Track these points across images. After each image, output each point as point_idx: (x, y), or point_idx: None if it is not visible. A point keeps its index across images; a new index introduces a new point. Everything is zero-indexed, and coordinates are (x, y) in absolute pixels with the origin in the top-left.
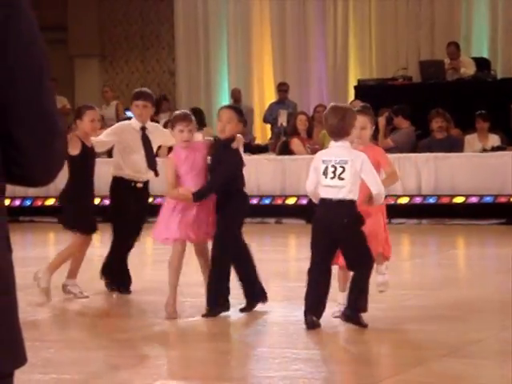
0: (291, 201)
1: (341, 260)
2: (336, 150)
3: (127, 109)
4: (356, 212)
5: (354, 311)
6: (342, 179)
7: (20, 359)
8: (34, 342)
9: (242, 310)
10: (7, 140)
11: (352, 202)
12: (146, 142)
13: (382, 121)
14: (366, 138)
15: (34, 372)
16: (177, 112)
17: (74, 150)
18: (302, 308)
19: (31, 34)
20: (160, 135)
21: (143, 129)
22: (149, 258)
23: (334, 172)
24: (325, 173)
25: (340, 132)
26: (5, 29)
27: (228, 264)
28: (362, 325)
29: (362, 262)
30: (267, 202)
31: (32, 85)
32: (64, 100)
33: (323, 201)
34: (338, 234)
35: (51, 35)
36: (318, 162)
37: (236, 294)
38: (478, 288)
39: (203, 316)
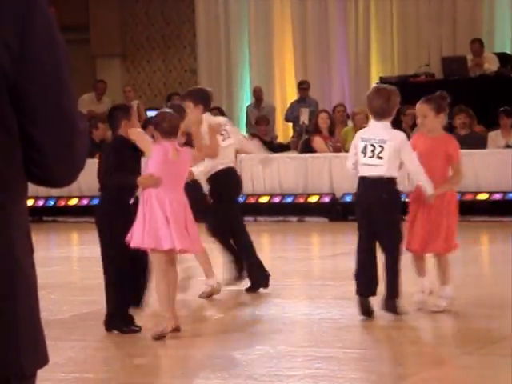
0: (314, 199)
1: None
2: (376, 130)
3: (149, 108)
4: (396, 188)
5: (392, 300)
6: (381, 158)
7: (42, 360)
8: (56, 342)
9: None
10: (27, 140)
11: (391, 179)
12: None
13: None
14: (430, 126)
15: (57, 371)
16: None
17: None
18: (326, 305)
19: (48, 31)
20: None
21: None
22: None
23: (372, 151)
24: (364, 151)
25: (384, 113)
26: (21, 27)
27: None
28: (401, 313)
29: (394, 244)
30: (289, 200)
31: (50, 83)
32: (108, 101)
33: (362, 179)
34: (377, 210)
35: (73, 35)
36: (358, 140)
37: (259, 291)
38: (502, 285)
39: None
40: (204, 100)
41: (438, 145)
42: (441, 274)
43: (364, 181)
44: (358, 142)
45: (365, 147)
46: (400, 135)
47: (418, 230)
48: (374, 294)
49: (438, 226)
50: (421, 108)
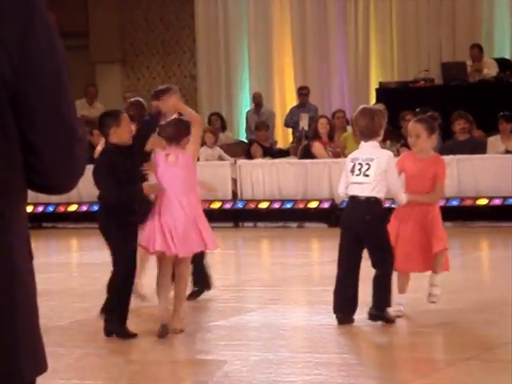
0: (313, 204)
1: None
2: (364, 149)
3: (148, 115)
4: (380, 209)
5: (380, 309)
6: (367, 176)
7: (41, 366)
8: (56, 348)
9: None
10: (27, 147)
11: (376, 200)
12: None
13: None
14: (421, 146)
15: (56, 378)
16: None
17: None
18: (325, 311)
19: (48, 38)
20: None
21: None
22: None
23: (360, 169)
24: (352, 170)
25: (369, 133)
26: (21, 33)
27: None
28: (389, 320)
29: (383, 260)
30: (289, 206)
31: (49, 89)
32: (100, 106)
33: (350, 198)
34: (360, 230)
35: (73, 41)
36: (348, 160)
37: (257, 297)
38: (502, 291)
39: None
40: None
41: (428, 166)
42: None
43: (351, 200)
44: (347, 163)
45: (353, 166)
46: (387, 154)
47: (404, 248)
48: (348, 314)
49: (419, 244)
50: (414, 127)
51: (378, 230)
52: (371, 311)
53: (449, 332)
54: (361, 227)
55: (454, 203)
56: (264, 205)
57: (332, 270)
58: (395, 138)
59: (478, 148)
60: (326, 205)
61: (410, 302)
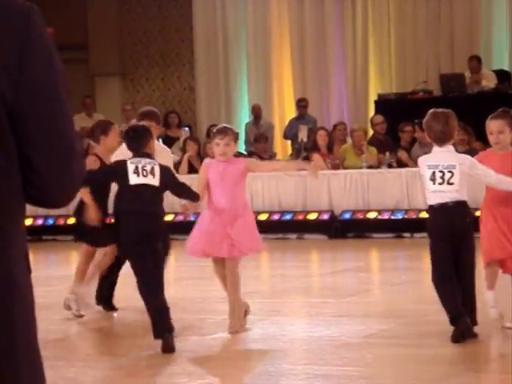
0: (313, 216)
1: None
2: (442, 155)
3: None
4: (469, 212)
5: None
6: (452, 184)
7: (39, 380)
8: (56, 362)
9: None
10: (25, 162)
11: (466, 203)
12: None
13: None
14: (505, 143)
15: None
16: (217, 126)
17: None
18: (325, 323)
19: (46, 52)
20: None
21: None
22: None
23: (442, 177)
24: (432, 179)
25: (445, 137)
26: (20, 48)
27: None
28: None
29: (472, 268)
30: (288, 217)
31: (47, 104)
32: (100, 117)
33: (433, 207)
34: (460, 234)
35: (72, 54)
36: (423, 167)
37: (256, 309)
38: (500, 303)
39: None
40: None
41: (509, 161)
42: None
43: (439, 208)
44: (423, 169)
45: (433, 174)
46: (468, 158)
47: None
48: (472, 322)
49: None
50: (496, 124)
51: (472, 234)
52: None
53: (447, 344)
54: (460, 231)
55: None
56: (263, 216)
57: (332, 281)
58: (395, 149)
59: None
60: (325, 216)
61: (408, 313)
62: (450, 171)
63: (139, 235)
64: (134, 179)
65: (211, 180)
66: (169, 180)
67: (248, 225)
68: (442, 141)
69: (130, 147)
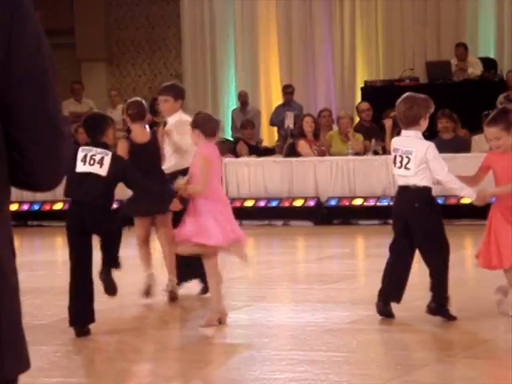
0: (299, 203)
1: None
2: (404, 140)
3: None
4: (428, 197)
5: (440, 305)
6: (408, 169)
7: (23, 364)
8: (40, 346)
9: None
10: (12, 145)
11: (424, 188)
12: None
13: (388, 122)
14: (506, 146)
15: (40, 376)
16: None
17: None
18: (310, 309)
19: (35, 37)
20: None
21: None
22: None
23: (400, 162)
24: (394, 162)
25: (407, 120)
26: (8, 32)
27: None
28: (450, 317)
29: (434, 250)
30: (274, 204)
31: (35, 89)
32: (91, 103)
33: (398, 188)
34: (410, 218)
35: (58, 40)
36: (392, 149)
37: (242, 295)
38: (486, 288)
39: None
40: (182, 95)
41: (508, 161)
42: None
43: (398, 190)
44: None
45: (395, 158)
46: (425, 144)
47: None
48: (394, 300)
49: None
50: (491, 132)
51: (428, 218)
52: (431, 305)
53: (432, 330)
54: (410, 215)
55: (439, 201)
56: (249, 203)
57: (317, 267)
58: (381, 136)
59: (462, 146)
60: (311, 203)
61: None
62: (407, 156)
63: (80, 224)
64: (80, 167)
65: (215, 169)
66: (120, 171)
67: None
68: (403, 123)
69: (87, 135)
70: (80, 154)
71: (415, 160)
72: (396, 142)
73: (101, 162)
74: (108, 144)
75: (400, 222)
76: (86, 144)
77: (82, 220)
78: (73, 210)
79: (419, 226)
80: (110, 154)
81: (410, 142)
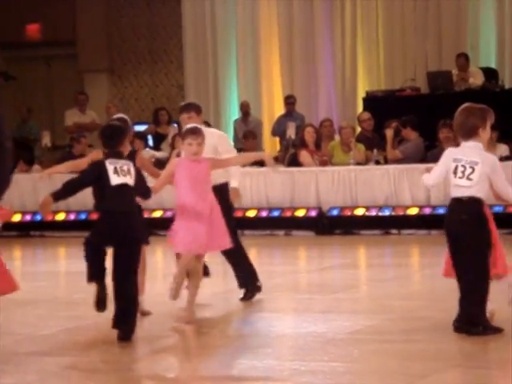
0: (300, 213)
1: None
2: (466, 151)
3: (136, 123)
4: (478, 211)
5: (466, 324)
6: (470, 180)
7: None
8: (42, 357)
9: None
10: None
11: (479, 200)
12: None
13: (389, 132)
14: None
15: None
16: (187, 126)
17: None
18: (312, 319)
19: None
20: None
21: None
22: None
23: (463, 172)
24: (455, 172)
25: (463, 131)
26: None
27: None
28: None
29: (470, 268)
30: (276, 214)
31: None
32: (93, 114)
33: (451, 200)
34: (457, 230)
35: (61, 51)
36: (448, 159)
37: (243, 304)
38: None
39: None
40: (201, 111)
41: None
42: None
43: (452, 201)
44: (449, 161)
45: (456, 167)
46: (491, 157)
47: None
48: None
49: None
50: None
51: (474, 233)
52: (455, 324)
53: (434, 339)
54: (457, 227)
55: (441, 211)
56: (251, 213)
57: (319, 277)
58: (382, 146)
59: None
60: (313, 213)
61: (395, 309)
62: (471, 167)
63: (120, 235)
64: (115, 179)
65: (181, 179)
66: (140, 182)
67: (217, 222)
68: (461, 135)
69: (105, 145)
70: (109, 167)
71: (480, 171)
72: (457, 153)
73: (129, 172)
74: (123, 153)
75: (450, 238)
76: (106, 155)
77: (126, 230)
78: (112, 221)
79: (463, 238)
80: (131, 163)
81: (475, 153)
